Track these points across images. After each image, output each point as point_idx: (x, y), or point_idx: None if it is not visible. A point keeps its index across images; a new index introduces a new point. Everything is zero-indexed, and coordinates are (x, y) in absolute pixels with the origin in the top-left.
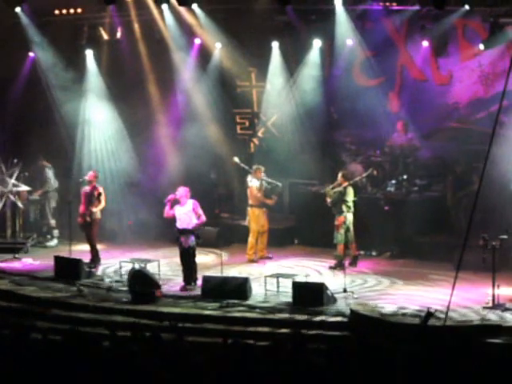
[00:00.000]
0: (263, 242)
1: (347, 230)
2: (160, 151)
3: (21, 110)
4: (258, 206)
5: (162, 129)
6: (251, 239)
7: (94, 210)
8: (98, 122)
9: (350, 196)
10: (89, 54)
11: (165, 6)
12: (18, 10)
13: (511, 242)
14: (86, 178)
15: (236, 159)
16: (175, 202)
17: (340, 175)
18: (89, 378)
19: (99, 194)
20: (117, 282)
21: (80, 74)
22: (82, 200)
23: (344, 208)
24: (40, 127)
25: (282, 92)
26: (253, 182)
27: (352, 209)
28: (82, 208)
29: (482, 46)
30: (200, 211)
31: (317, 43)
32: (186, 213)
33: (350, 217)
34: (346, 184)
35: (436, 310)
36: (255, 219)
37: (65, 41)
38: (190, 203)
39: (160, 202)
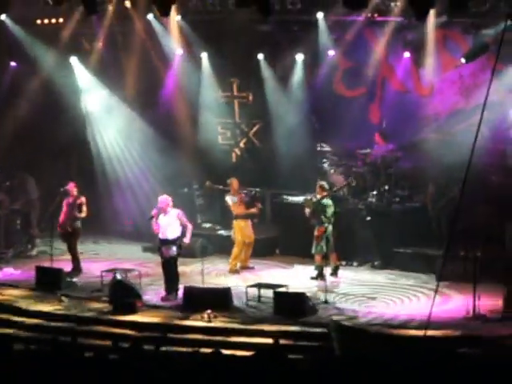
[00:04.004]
0: (247, 254)
1: (327, 240)
2: (143, 160)
3: (1, 121)
4: (243, 218)
5: (144, 138)
6: (236, 249)
7: (80, 216)
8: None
9: (329, 207)
10: (73, 60)
11: (150, 16)
12: (2, 17)
13: (492, 252)
14: (67, 188)
15: (208, 183)
16: (159, 213)
17: (318, 186)
18: None
19: (81, 204)
20: (98, 291)
21: (64, 82)
22: (63, 210)
23: (323, 219)
24: (22, 137)
25: (264, 102)
26: (232, 200)
27: (332, 220)
28: (61, 218)
29: (463, 60)
30: (185, 220)
31: (299, 54)
32: (169, 223)
33: (329, 228)
34: (324, 194)
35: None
36: (241, 231)
37: (48, 50)
38: (174, 213)
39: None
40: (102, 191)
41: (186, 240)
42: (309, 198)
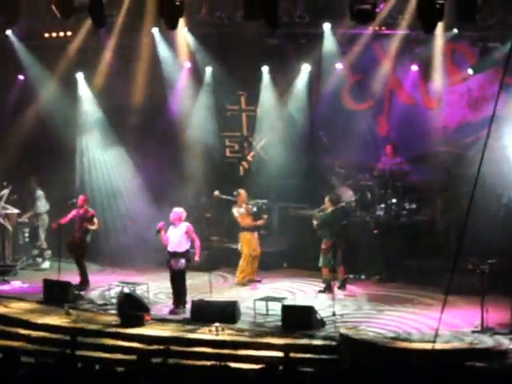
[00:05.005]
0: (254, 267)
1: (334, 254)
2: (151, 174)
3: (10, 133)
4: (250, 230)
5: (152, 151)
6: (242, 263)
7: (91, 228)
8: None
9: (337, 220)
10: (80, 76)
11: (155, 30)
12: (8, 32)
13: (500, 266)
14: (76, 201)
15: (217, 193)
16: (168, 225)
17: (327, 199)
18: None
19: (92, 216)
20: (106, 304)
21: (71, 95)
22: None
23: (331, 232)
24: (30, 150)
25: (271, 116)
26: (238, 212)
27: (339, 233)
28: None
29: (470, 71)
30: (194, 235)
31: (306, 67)
32: (177, 235)
33: (337, 241)
34: (332, 208)
35: None
36: (247, 243)
37: (55, 63)
38: (184, 226)
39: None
40: (106, 204)
41: (197, 258)
42: (317, 210)
